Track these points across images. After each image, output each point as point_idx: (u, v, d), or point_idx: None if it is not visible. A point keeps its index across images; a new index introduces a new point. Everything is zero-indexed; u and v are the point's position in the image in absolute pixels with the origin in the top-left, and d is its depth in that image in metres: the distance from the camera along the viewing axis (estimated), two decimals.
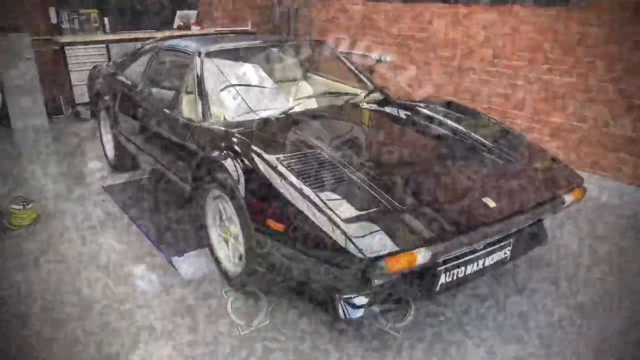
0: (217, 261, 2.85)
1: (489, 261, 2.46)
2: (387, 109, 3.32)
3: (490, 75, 4.50)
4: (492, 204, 2.33)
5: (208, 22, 7.49)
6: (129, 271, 2.95)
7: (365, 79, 3.80)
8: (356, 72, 3.83)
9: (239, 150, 2.51)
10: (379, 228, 2.05)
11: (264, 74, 3.51)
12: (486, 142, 2.85)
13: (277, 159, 2.39)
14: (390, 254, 1.97)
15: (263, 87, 3.41)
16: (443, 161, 2.67)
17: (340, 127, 3.01)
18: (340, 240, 1.99)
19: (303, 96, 3.46)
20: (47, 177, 4.47)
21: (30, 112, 6.08)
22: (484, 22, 4.45)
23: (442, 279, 2.31)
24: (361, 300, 2.23)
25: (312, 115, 3.09)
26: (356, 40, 6.03)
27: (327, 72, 3.99)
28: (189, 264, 2.98)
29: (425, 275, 2.28)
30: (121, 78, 4.20)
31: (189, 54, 3.42)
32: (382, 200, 2.20)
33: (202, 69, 3.26)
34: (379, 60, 5.59)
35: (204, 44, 3.51)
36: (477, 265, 2.42)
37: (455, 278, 2.35)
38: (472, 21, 4.54)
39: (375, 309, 2.25)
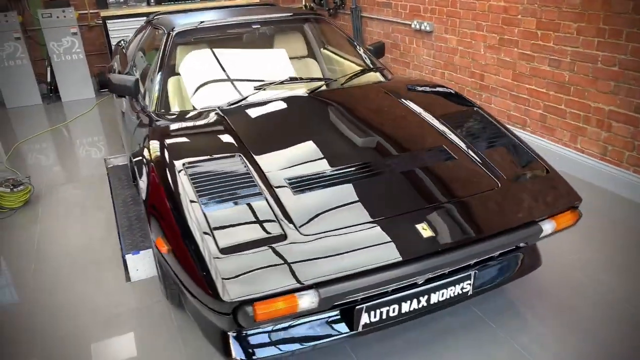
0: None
1: (437, 297, 2.00)
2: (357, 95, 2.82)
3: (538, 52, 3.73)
4: (426, 232, 1.84)
5: None
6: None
7: (364, 59, 3.31)
8: (355, 50, 3.35)
9: (150, 149, 2.22)
10: (258, 263, 1.68)
11: (240, 57, 3.16)
12: (457, 143, 2.30)
13: (184, 164, 2.08)
14: (261, 298, 1.61)
15: (238, 70, 3.07)
16: (387, 172, 2.12)
17: (296, 119, 2.57)
18: (211, 274, 1.65)
19: (271, 82, 2.95)
20: (70, 152, 4.56)
21: (77, 86, 6.28)
22: None
23: (366, 319, 1.90)
24: (258, 338, 1.89)
25: (280, 103, 2.68)
26: (392, 5, 5.40)
27: (329, 50, 3.54)
28: (142, 263, 2.80)
29: (345, 313, 1.90)
30: (125, 56, 4.09)
31: (163, 32, 3.17)
32: (283, 227, 1.81)
33: (168, 51, 3.00)
34: (418, 30, 4.97)
35: (185, 20, 3.24)
36: (418, 302, 1.97)
37: (385, 317, 1.93)
38: None
39: (287, 349, 1.89)
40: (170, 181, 1.99)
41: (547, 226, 2.00)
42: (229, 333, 1.85)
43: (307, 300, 1.64)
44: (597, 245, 2.84)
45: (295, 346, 1.89)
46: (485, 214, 1.97)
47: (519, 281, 2.47)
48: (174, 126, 2.46)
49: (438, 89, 2.90)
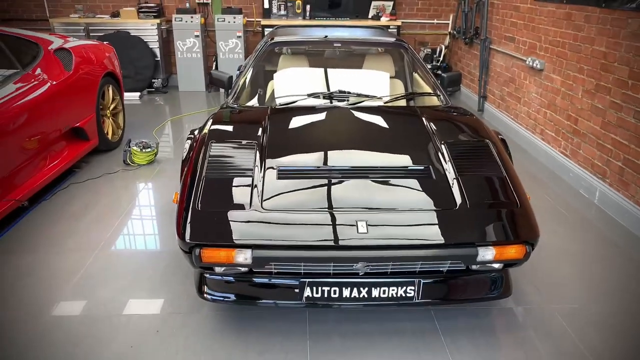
0: None
1: (378, 293, 2.30)
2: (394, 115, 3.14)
3: None
4: (362, 228, 2.16)
5: (406, 13, 7.65)
6: None
7: (429, 85, 3.59)
8: (425, 77, 3.64)
9: (201, 129, 2.90)
10: (222, 220, 2.19)
11: (319, 69, 3.69)
12: (445, 167, 2.52)
13: (212, 143, 2.67)
14: (208, 245, 2.12)
15: (313, 80, 3.60)
16: (363, 177, 2.45)
17: (322, 124, 3.00)
18: (186, 220, 2.22)
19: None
20: None
21: None
22: None
23: (308, 292, 2.29)
24: (224, 285, 2.39)
25: (319, 110, 3.15)
26: (515, 40, 5.40)
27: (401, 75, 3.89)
28: None
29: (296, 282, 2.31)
30: None
31: (266, 41, 3.89)
32: (252, 199, 2.29)
33: (258, 55, 3.68)
34: (531, 67, 4.95)
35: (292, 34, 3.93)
36: (359, 292, 2.29)
37: (327, 296, 2.29)
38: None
39: (232, 297, 2.38)
40: (197, 155, 2.61)
41: (485, 252, 2.15)
42: (205, 275, 2.40)
43: (241, 256, 2.12)
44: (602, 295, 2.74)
45: (254, 299, 2.37)
46: (425, 228, 2.21)
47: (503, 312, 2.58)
48: (228, 115, 3.10)
49: (466, 118, 3.09)
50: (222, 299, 2.39)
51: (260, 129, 2.84)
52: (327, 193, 2.37)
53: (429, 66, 7.50)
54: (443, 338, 2.46)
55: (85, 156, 4.61)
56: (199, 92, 7.48)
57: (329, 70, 3.67)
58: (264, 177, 2.44)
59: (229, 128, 2.93)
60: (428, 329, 2.51)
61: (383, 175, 2.47)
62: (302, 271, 2.26)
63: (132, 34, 7.14)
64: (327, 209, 2.27)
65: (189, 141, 2.89)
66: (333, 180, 2.43)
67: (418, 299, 2.32)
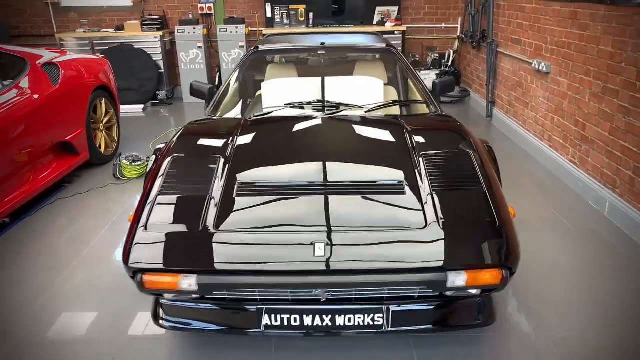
0: None
1: (342, 321, 2.10)
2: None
3: None
4: (319, 251, 1.97)
5: (412, 18, 7.44)
6: None
7: (419, 92, 3.39)
8: (415, 83, 3.44)
9: (168, 142, 2.75)
10: (169, 242, 2.03)
11: (301, 78, 3.52)
12: (419, 182, 2.31)
13: (173, 157, 2.52)
14: (150, 270, 1.96)
15: (294, 89, 3.43)
16: (327, 194, 2.25)
17: (293, 137, 2.82)
18: (132, 242, 2.07)
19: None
20: None
21: None
22: None
23: (266, 320, 2.11)
24: (178, 312, 2.22)
25: (294, 121, 2.98)
26: (521, 42, 5.13)
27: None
28: None
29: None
30: None
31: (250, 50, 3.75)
32: (204, 220, 2.12)
33: (240, 65, 3.54)
34: (537, 70, 4.68)
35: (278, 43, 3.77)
36: (322, 320, 2.09)
37: (287, 324, 2.10)
38: None
39: (188, 325, 2.21)
40: (157, 171, 2.46)
41: (456, 278, 1.94)
42: (160, 300, 2.24)
43: (186, 282, 1.95)
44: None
45: (209, 326, 2.19)
46: (390, 250, 2.00)
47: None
48: (198, 128, 2.95)
49: (451, 127, 2.88)
50: (178, 326, 2.22)
51: (229, 142, 2.68)
52: (288, 211, 2.19)
53: (437, 72, 7.26)
54: None
55: (77, 170, 4.55)
56: (199, 103, 7.38)
57: (314, 79, 3.51)
58: (222, 194, 2.28)
59: (196, 141, 2.78)
60: (404, 359, 2.30)
61: (351, 190, 2.28)
62: (258, 298, 2.08)
63: (135, 47, 7.12)
64: (284, 230, 2.08)
65: (155, 156, 2.76)
66: (295, 197, 2.25)
67: (388, 328, 2.11)
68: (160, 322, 2.22)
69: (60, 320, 2.61)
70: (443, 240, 2.01)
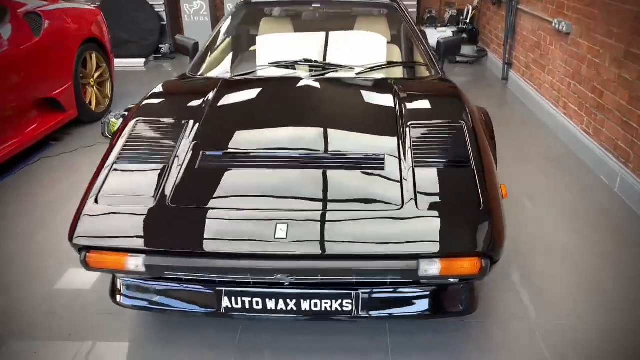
0: None
1: (308, 305, 1.93)
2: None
3: None
4: (280, 233, 1.78)
5: None
6: None
7: (421, 53, 3.10)
8: (418, 43, 3.14)
9: (137, 104, 2.55)
10: (118, 218, 1.86)
11: (294, 34, 3.24)
12: (401, 156, 2.07)
13: (137, 120, 2.33)
14: (94, 248, 1.80)
15: (286, 46, 3.17)
16: (300, 167, 2.04)
17: (275, 100, 2.59)
18: (79, 216, 1.90)
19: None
20: None
21: None
22: None
23: (227, 303, 1.94)
24: (137, 290, 2.07)
25: (278, 81, 2.74)
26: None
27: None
28: None
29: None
30: None
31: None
32: (158, 193, 1.93)
33: (225, 20, 3.28)
34: (558, 30, 4.30)
35: None
36: (286, 304, 1.93)
37: (249, 307, 1.94)
38: None
39: (147, 304, 2.06)
40: (119, 136, 2.27)
41: (428, 266, 1.74)
42: (118, 277, 2.09)
43: (133, 263, 1.78)
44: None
45: (168, 306, 2.04)
46: (358, 233, 1.79)
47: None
48: (172, 87, 2.73)
49: (447, 92, 2.62)
50: (136, 304, 2.08)
51: (203, 104, 2.46)
52: (251, 185, 1.99)
53: (454, 29, 6.84)
54: (392, 358, 2.08)
55: (67, 127, 4.40)
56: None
57: (307, 35, 3.23)
58: (185, 163, 2.08)
59: (168, 102, 2.57)
60: (377, 347, 2.13)
61: (325, 164, 2.06)
62: (216, 279, 1.91)
63: None
64: (245, 207, 1.89)
65: (123, 117, 2.56)
66: (262, 170, 2.04)
67: (358, 314, 1.94)
68: (118, 300, 2.08)
69: (17, 293, 2.49)
70: (418, 224, 1.80)
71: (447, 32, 6.84)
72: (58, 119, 4.15)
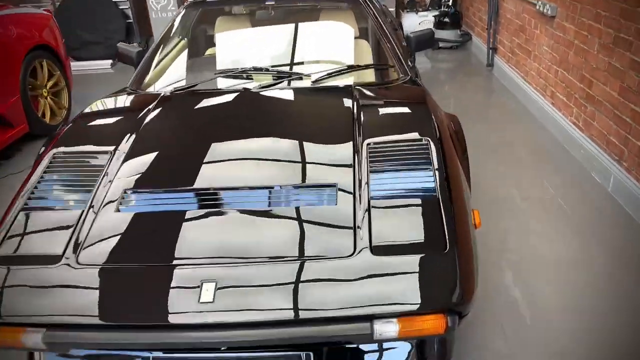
0: None
1: None
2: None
3: None
4: (206, 296, 1.48)
5: None
6: None
7: (386, 52, 2.77)
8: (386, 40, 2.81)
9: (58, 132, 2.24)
10: (15, 281, 1.56)
11: (250, 37, 2.92)
12: (356, 185, 1.77)
13: (55, 154, 2.01)
14: None
15: (239, 51, 2.85)
16: (238, 208, 1.73)
17: (214, 118, 2.28)
18: None
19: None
20: None
21: None
22: None
23: None
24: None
25: (221, 96, 2.41)
26: None
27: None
28: None
29: None
30: None
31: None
32: (68, 247, 1.62)
33: (170, 25, 2.95)
34: (540, 12, 3.98)
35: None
36: None
37: None
38: None
39: None
40: (33, 172, 1.96)
41: (384, 328, 1.44)
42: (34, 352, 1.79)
43: (32, 339, 1.48)
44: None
45: None
46: (300, 291, 1.50)
47: None
48: (102, 108, 2.41)
49: (414, 99, 2.31)
50: None
51: (132, 129, 2.15)
52: (175, 234, 1.68)
53: (436, 12, 6.49)
54: None
55: (19, 142, 4.09)
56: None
57: (260, 40, 2.91)
58: (100, 207, 1.78)
59: (94, 128, 2.25)
60: None
61: (261, 202, 1.76)
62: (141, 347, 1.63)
63: None
64: (166, 263, 1.59)
65: (42, 149, 2.25)
66: (190, 213, 1.73)
67: None
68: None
69: None
70: (370, 278, 1.50)
71: (428, 17, 6.50)
72: (6, 136, 3.83)
